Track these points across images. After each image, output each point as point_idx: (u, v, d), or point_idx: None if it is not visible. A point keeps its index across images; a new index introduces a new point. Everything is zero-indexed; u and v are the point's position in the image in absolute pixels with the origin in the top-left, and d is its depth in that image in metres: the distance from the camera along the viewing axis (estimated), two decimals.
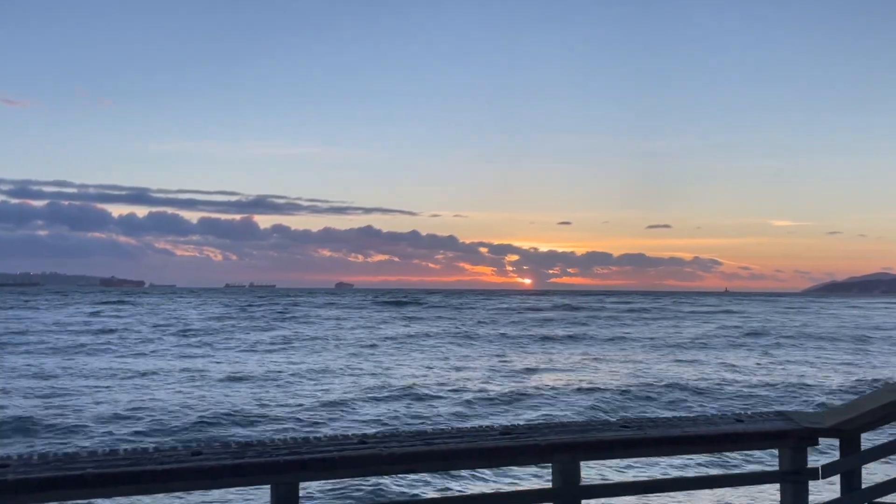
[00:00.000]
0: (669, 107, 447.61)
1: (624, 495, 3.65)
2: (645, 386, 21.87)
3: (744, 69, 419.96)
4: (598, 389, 21.14)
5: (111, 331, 43.06)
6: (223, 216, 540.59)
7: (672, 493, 9.06)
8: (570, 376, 24.37)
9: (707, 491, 9.25)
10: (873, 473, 4.88)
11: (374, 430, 3.53)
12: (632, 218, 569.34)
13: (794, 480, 3.57)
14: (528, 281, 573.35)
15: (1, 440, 13.91)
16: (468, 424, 8.22)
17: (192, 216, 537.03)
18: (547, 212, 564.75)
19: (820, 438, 3.63)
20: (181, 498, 9.18)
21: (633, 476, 10.45)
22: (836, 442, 3.68)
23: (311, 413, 17.09)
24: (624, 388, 21.27)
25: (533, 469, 10.49)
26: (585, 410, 17.95)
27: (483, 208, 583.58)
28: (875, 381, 23.18)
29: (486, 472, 10.82)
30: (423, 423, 15.84)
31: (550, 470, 3.34)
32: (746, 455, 11.06)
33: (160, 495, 2.83)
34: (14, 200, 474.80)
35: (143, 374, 23.78)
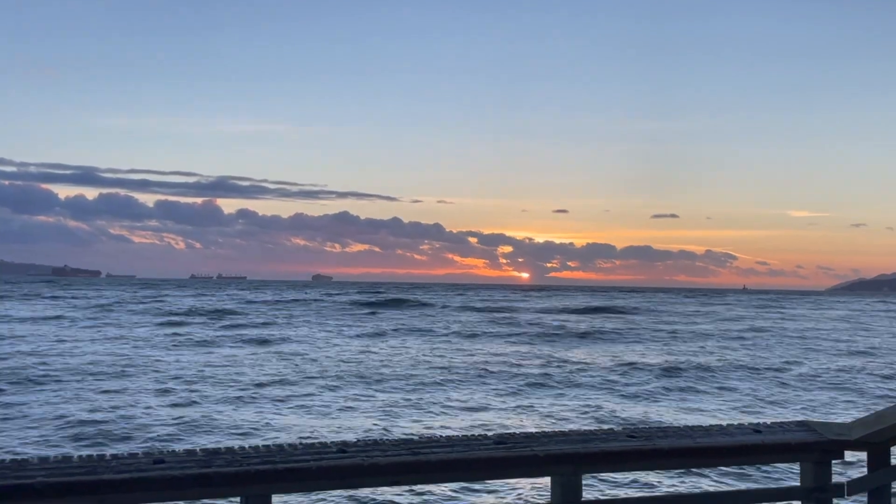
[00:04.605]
0: (677, 85, 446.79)
1: None
2: None
3: (760, 45, 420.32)
4: None
5: None
6: (182, 199, 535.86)
7: None
8: None
9: None
10: None
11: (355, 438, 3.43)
12: (635, 206, 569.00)
13: (817, 498, 3.54)
14: (525, 275, 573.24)
15: None
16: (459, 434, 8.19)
17: (148, 199, 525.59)
18: (541, 199, 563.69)
19: (846, 452, 3.59)
20: None
21: (639, 491, 10.44)
22: (864, 456, 3.64)
23: None
24: None
25: (529, 482, 10.47)
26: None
27: (470, 194, 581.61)
28: None
29: (477, 486, 10.79)
30: None
31: (549, 483, 3.31)
32: (765, 469, 11.07)
33: None
34: None
35: None
